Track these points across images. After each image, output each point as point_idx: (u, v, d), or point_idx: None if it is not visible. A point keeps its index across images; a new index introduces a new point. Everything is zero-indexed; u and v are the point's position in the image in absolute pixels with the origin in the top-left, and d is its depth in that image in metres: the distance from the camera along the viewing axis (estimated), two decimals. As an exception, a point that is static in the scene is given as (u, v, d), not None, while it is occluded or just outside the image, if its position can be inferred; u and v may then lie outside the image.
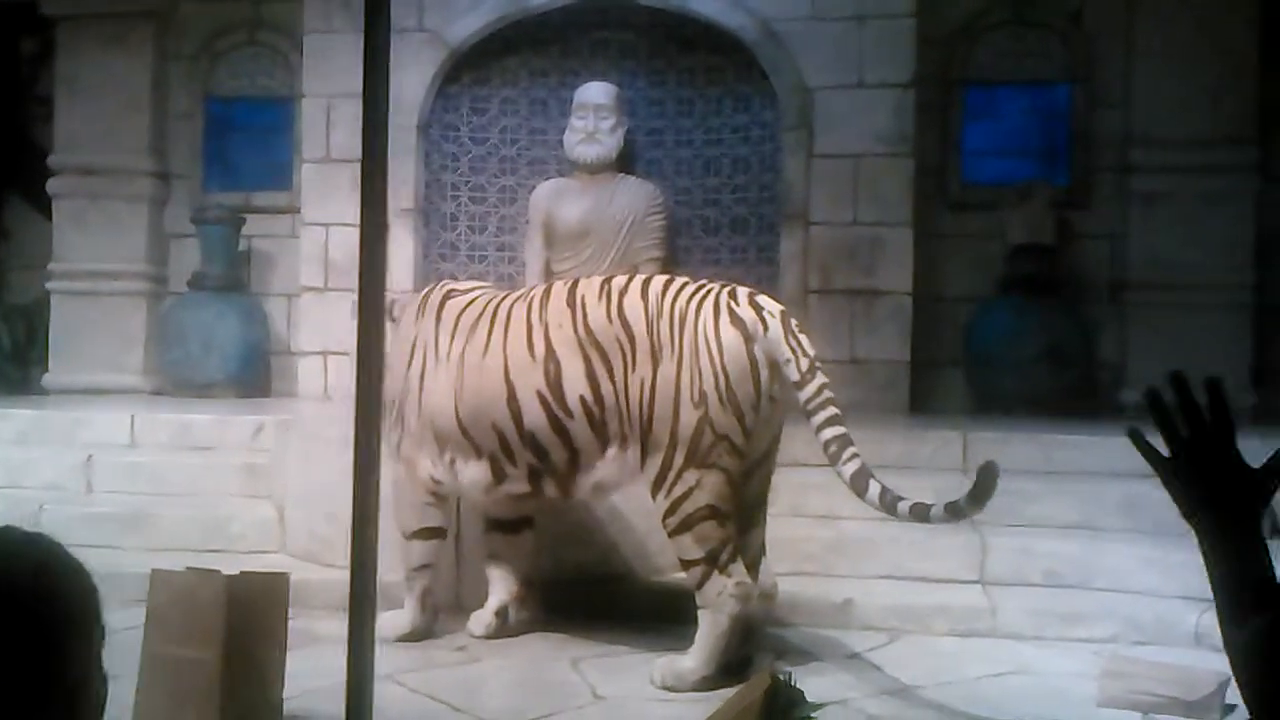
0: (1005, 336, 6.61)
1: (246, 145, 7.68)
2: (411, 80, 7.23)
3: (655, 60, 7.51)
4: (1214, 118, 6.78)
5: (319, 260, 7.12)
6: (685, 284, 4.18)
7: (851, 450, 3.97)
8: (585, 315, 4.13)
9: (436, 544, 4.59)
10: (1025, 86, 7.20)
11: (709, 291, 4.09)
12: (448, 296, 4.60)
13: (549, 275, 7.31)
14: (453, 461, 4.41)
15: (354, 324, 2.27)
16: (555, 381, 4.12)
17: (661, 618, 4.57)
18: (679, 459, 3.95)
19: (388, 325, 4.69)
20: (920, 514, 3.92)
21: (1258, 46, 6.80)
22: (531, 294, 4.41)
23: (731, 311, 4.01)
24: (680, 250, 7.44)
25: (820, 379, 4.03)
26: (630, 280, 4.23)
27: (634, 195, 7.29)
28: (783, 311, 4.13)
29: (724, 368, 3.95)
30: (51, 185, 7.87)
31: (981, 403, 6.84)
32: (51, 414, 6.18)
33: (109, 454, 5.83)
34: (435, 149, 7.43)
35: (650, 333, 4.02)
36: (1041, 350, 6.55)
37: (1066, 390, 6.61)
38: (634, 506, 4.78)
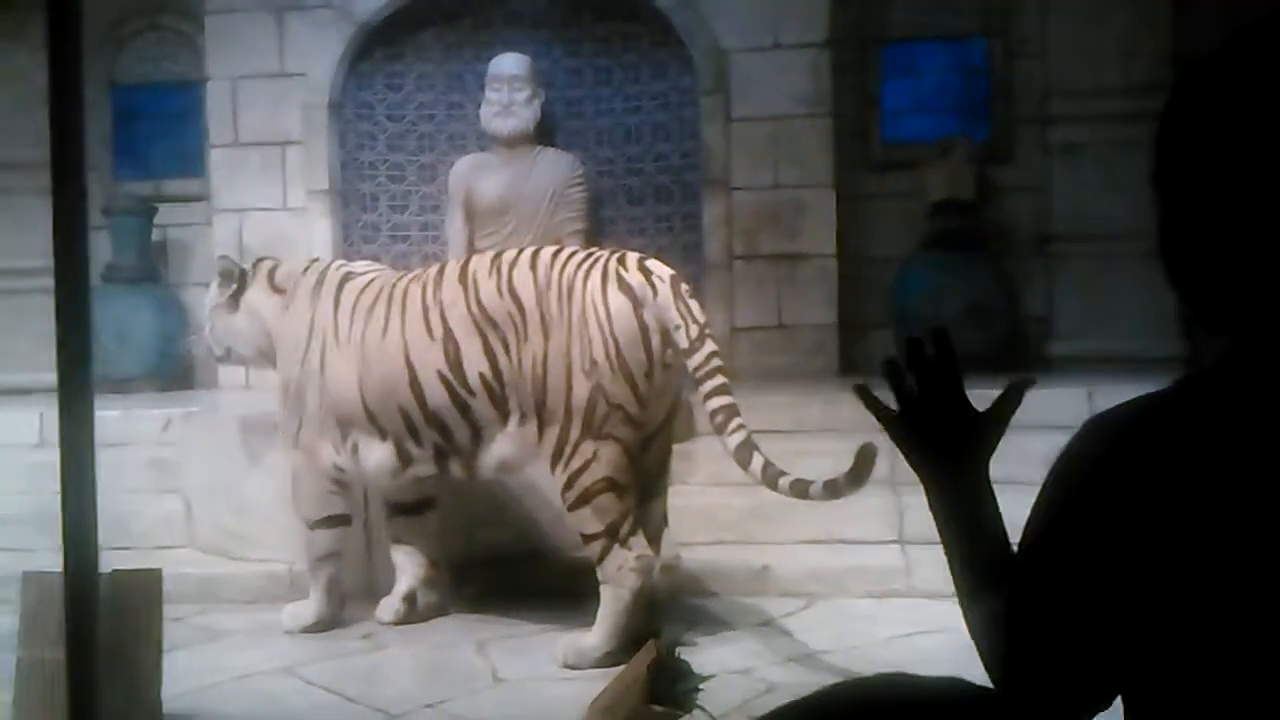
0: (928, 294, 6.54)
1: (155, 133, 7.50)
2: (320, 58, 7.09)
3: (570, 29, 7.38)
4: (1130, 65, 6.71)
5: (233, 247, 6.93)
6: (574, 253, 4.13)
7: (737, 421, 3.93)
8: (478, 292, 4.06)
9: (341, 532, 4.50)
10: (942, 42, 7.12)
11: (597, 259, 4.03)
12: (345, 278, 4.48)
13: (472, 252, 7.20)
14: (356, 447, 4.31)
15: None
16: (455, 360, 4.06)
17: (578, 594, 4.51)
18: (575, 432, 3.89)
19: (271, 296, 4.59)
20: (800, 490, 3.88)
21: (1170, -9, 6.74)
22: (426, 274, 4.32)
23: (619, 277, 3.95)
24: (605, 221, 7.34)
25: (709, 346, 3.97)
26: (520, 253, 4.16)
27: (554, 167, 7.18)
28: (673, 276, 4.04)
29: (613, 335, 3.89)
30: (-45, 182, 7.68)
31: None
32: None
33: (16, 454, 5.69)
34: (350, 128, 7.29)
35: (540, 304, 3.96)
36: (965, 307, 6.48)
37: (993, 345, 6.54)
38: (549, 482, 4.71)
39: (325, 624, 4.42)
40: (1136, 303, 6.71)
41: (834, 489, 3.81)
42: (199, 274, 7.39)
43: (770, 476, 3.88)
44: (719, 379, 3.95)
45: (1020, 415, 4.85)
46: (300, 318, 4.45)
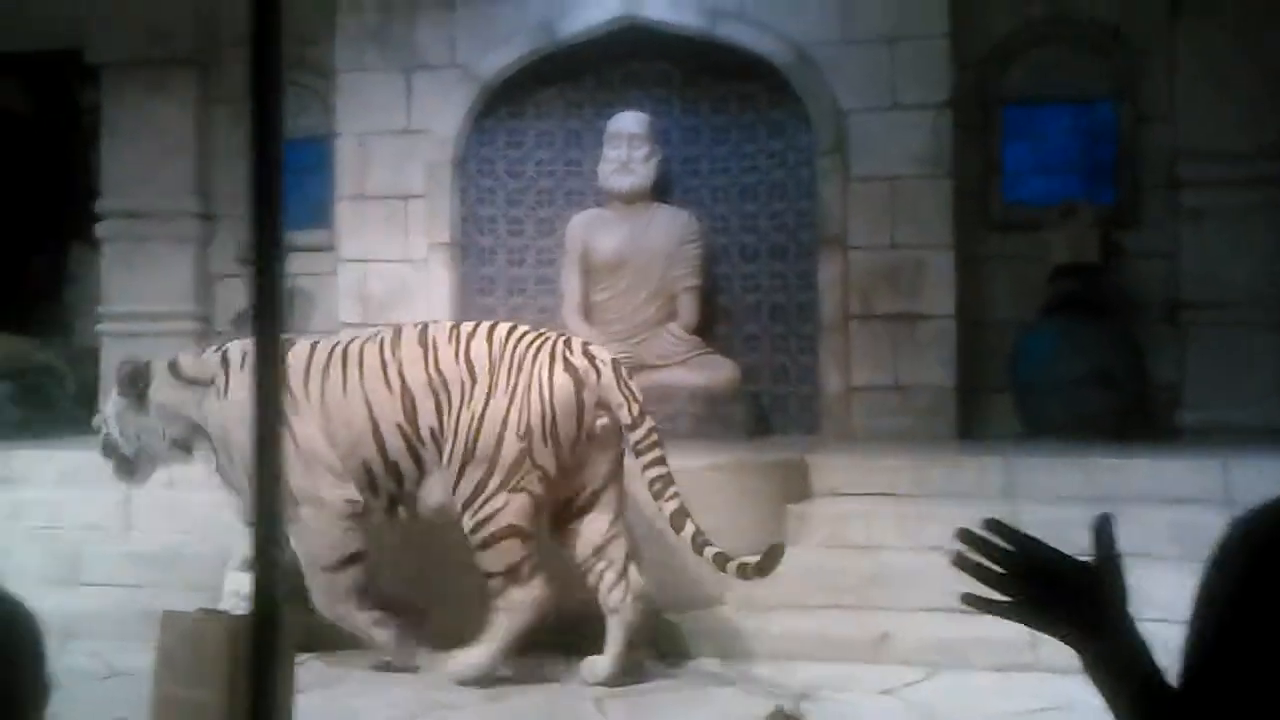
0: (1051, 359, 6.41)
1: (287, 185, 7.73)
2: (445, 115, 7.28)
3: (689, 88, 7.47)
4: (1261, 129, 6.54)
5: (356, 296, 7.15)
6: (526, 332, 4.56)
7: (673, 490, 4.34)
8: (437, 356, 4.49)
9: (360, 569, 4.58)
10: (1066, 104, 7.02)
11: (546, 339, 4.51)
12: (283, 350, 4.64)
13: (587, 306, 7.28)
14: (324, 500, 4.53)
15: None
16: (411, 413, 4.46)
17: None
18: (493, 483, 4.31)
19: (183, 389, 4.74)
20: (720, 563, 4.22)
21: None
22: (380, 336, 4.66)
23: (565, 359, 4.42)
24: (719, 278, 7.37)
25: (649, 424, 4.41)
26: (477, 326, 4.61)
27: (670, 224, 7.25)
28: (614, 360, 4.54)
29: (552, 407, 4.35)
30: (100, 229, 8.02)
31: (1031, 428, 6.63)
32: (92, 455, 6.22)
33: (148, 493, 5.85)
34: (472, 183, 7.45)
35: (491, 373, 4.41)
36: (1089, 373, 6.34)
37: (1119, 413, 6.39)
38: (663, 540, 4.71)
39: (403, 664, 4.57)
40: (1269, 371, 6.51)
41: (744, 571, 4.19)
42: (323, 322, 7.59)
43: (698, 544, 4.26)
44: (657, 451, 4.39)
45: (1151, 487, 4.69)
46: (246, 403, 4.55)
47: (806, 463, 5.56)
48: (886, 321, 6.74)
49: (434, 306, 7.06)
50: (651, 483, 4.34)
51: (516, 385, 4.37)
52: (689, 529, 4.26)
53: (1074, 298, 6.53)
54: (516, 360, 4.41)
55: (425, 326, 4.65)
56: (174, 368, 4.80)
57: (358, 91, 7.21)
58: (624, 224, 7.25)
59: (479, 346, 4.48)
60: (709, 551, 4.23)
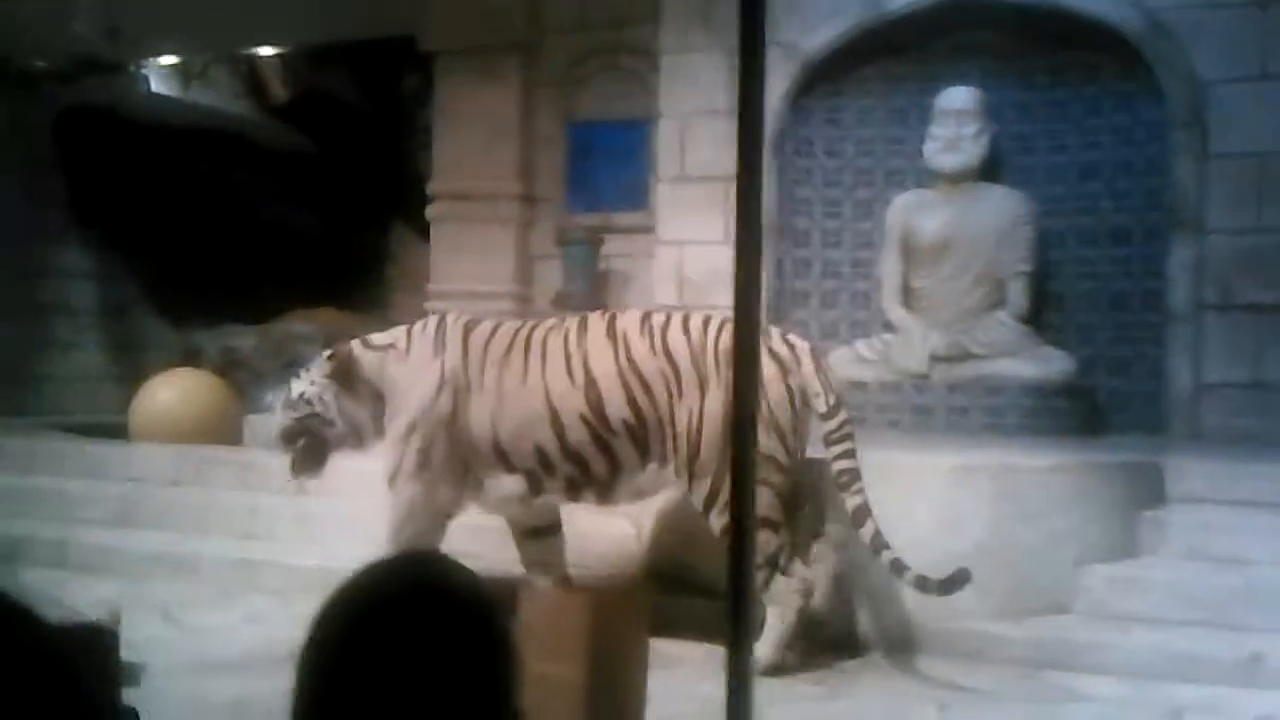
0: None
1: (605, 167, 7.89)
2: (765, 95, 7.16)
3: (1022, 60, 7.04)
4: None
5: (674, 278, 7.17)
6: (725, 321, 4.43)
7: (859, 485, 4.30)
8: (628, 348, 4.45)
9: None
10: None
11: None
12: (468, 328, 4.68)
13: (906, 291, 7.01)
14: (480, 483, 4.58)
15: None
16: (597, 405, 4.43)
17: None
18: (729, 480, 3.96)
19: (373, 353, 4.74)
20: (896, 569, 4.19)
21: None
22: (566, 325, 4.62)
23: (769, 348, 4.35)
24: (1051, 264, 6.92)
25: (843, 415, 4.39)
26: (669, 317, 4.57)
27: (1000, 205, 6.87)
28: (813, 349, 4.52)
29: (764, 397, 4.22)
30: (430, 210, 8.42)
31: None
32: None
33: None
34: (789, 164, 7.31)
35: (696, 365, 4.39)
36: None
37: None
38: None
39: None
40: None
41: (922, 584, 4.11)
42: (637, 302, 7.66)
43: (876, 545, 4.22)
44: (849, 444, 4.36)
45: None
46: (424, 367, 4.61)
47: (1160, 466, 5.12)
48: (1248, 312, 6.13)
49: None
50: (839, 474, 4.32)
51: (727, 378, 4.26)
52: (869, 527, 4.23)
53: None
54: (721, 350, 4.36)
55: (614, 316, 4.63)
56: (364, 340, 4.90)
57: (682, 73, 7.21)
58: (949, 205, 6.93)
59: (676, 338, 4.46)
60: (886, 555, 4.18)
